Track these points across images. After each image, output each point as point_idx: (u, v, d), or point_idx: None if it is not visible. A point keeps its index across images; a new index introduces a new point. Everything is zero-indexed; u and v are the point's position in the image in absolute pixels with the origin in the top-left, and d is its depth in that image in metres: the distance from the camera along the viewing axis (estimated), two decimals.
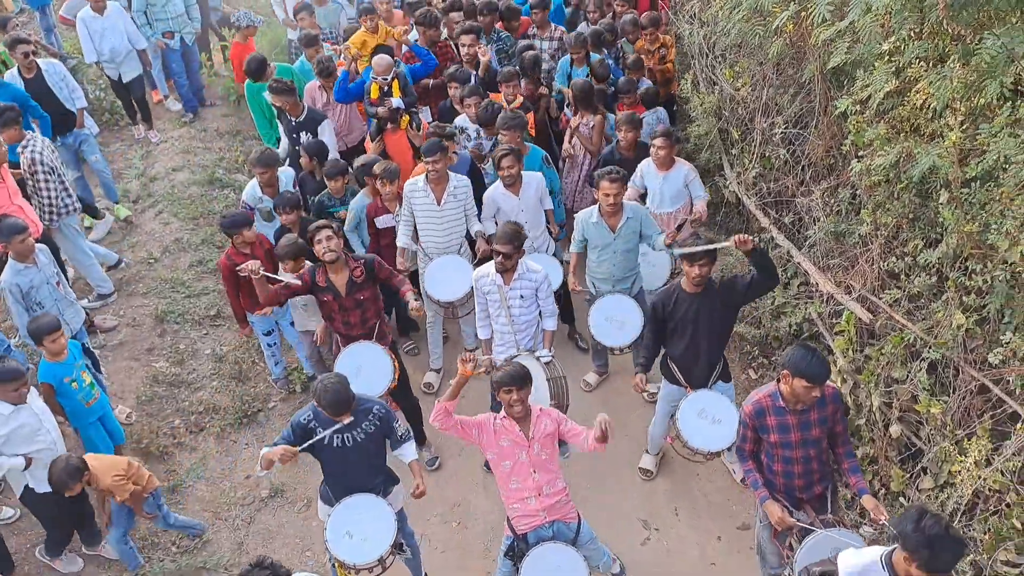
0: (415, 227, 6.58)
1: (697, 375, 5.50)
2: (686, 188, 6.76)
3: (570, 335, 7.34)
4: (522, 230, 5.77)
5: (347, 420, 4.65)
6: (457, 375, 4.66)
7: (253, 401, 6.85)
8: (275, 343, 6.82)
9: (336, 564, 4.72)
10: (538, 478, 4.66)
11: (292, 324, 6.70)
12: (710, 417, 5.27)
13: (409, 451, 5.02)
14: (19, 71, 7.98)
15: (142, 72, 9.62)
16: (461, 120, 7.36)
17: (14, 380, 5.04)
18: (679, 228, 6.77)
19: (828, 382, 4.48)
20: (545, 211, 6.84)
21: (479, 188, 6.82)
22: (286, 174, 7.08)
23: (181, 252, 8.19)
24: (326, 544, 4.65)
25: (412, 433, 5.20)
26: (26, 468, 5.22)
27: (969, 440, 4.76)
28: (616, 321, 6.02)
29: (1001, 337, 4.66)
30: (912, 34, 5.60)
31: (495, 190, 6.60)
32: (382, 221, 6.74)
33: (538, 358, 5.65)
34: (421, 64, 7.98)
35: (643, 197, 6.95)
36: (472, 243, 6.73)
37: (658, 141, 6.59)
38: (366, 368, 5.58)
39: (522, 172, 6.55)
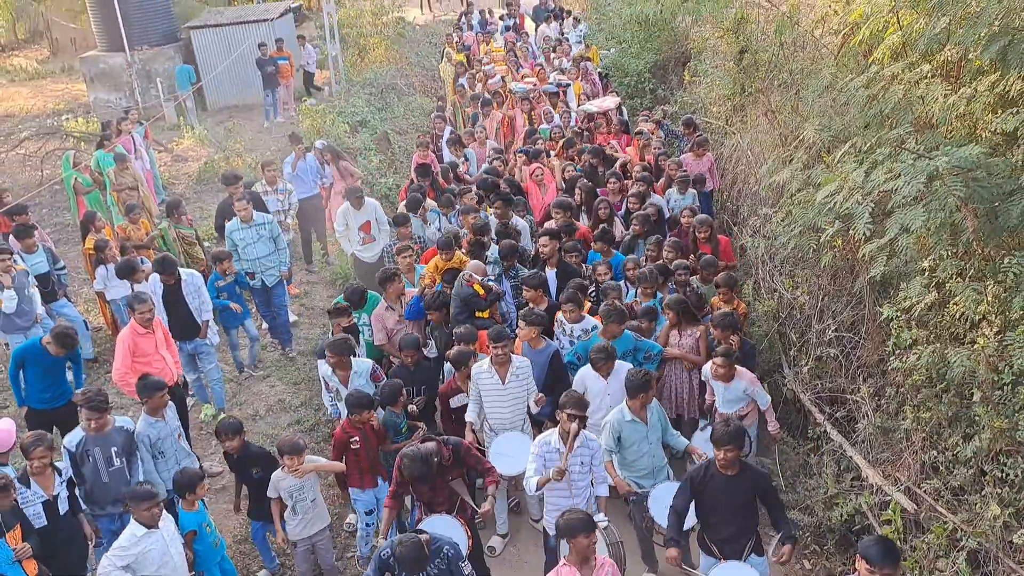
0: (481, 405, 7.21)
1: (730, 549, 5.77)
2: (745, 394, 7.14)
3: (629, 515, 7.64)
4: (584, 397, 6.41)
5: None
6: None
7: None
8: (373, 523, 7.11)
9: None
10: None
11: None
12: None
13: None
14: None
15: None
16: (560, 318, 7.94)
17: (148, 500, 5.72)
18: (741, 418, 7.11)
19: None
20: None
21: (559, 377, 7.46)
22: (363, 366, 7.53)
23: (283, 412, 9.11)
24: None
25: None
26: None
27: None
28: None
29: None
30: (948, 252, 6.30)
31: (587, 370, 7.14)
32: (455, 400, 7.42)
33: (596, 523, 5.97)
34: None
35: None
36: (533, 419, 7.37)
37: (718, 360, 7.02)
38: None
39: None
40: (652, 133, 12.82)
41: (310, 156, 12.32)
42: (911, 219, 5.84)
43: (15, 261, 9.38)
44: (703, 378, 7.42)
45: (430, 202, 10.72)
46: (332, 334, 8.11)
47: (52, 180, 14.72)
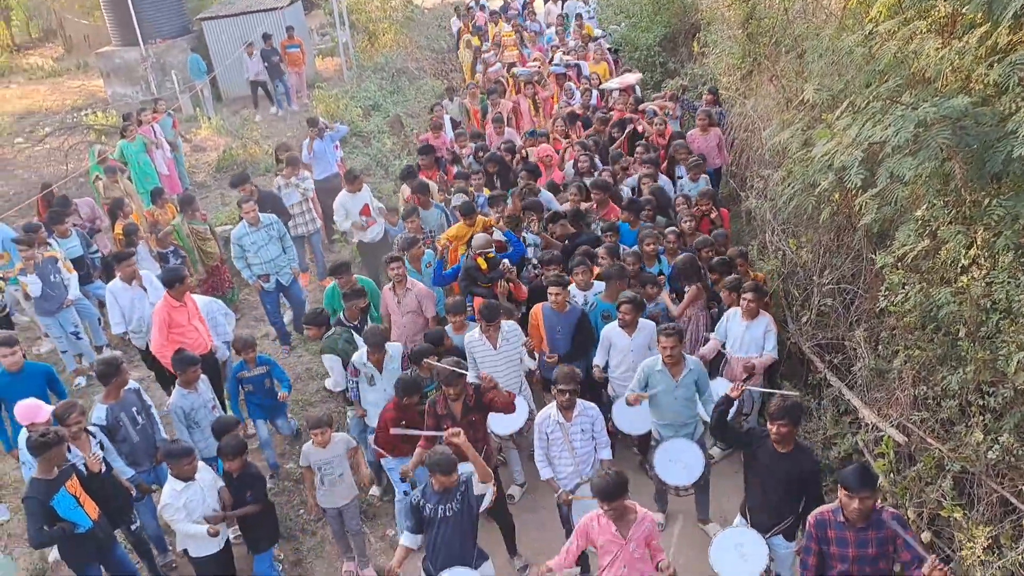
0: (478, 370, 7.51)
1: (760, 520, 5.85)
2: (763, 337, 7.44)
3: (641, 464, 8.06)
4: (575, 371, 6.55)
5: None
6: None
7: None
8: (409, 490, 6.94)
9: None
10: (627, 574, 5.33)
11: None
12: (740, 552, 5.68)
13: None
14: None
15: None
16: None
17: (186, 456, 6.18)
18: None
19: (889, 507, 5.01)
20: None
21: (587, 334, 7.82)
22: (395, 349, 7.60)
23: (310, 380, 9.66)
24: None
25: None
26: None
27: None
28: (680, 463, 6.59)
29: (999, 438, 5.37)
30: (939, 201, 6.58)
31: (612, 327, 7.52)
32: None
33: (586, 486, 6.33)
34: (512, 251, 8.84)
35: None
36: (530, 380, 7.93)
37: (748, 295, 7.31)
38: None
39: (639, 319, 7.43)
40: (670, 109, 12.94)
41: (328, 135, 12.64)
42: (901, 167, 6.13)
43: (49, 247, 9.83)
44: (721, 325, 7.67)
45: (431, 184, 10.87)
46: (346, 316, 8.26)
47: (76, 173, 15.16)
